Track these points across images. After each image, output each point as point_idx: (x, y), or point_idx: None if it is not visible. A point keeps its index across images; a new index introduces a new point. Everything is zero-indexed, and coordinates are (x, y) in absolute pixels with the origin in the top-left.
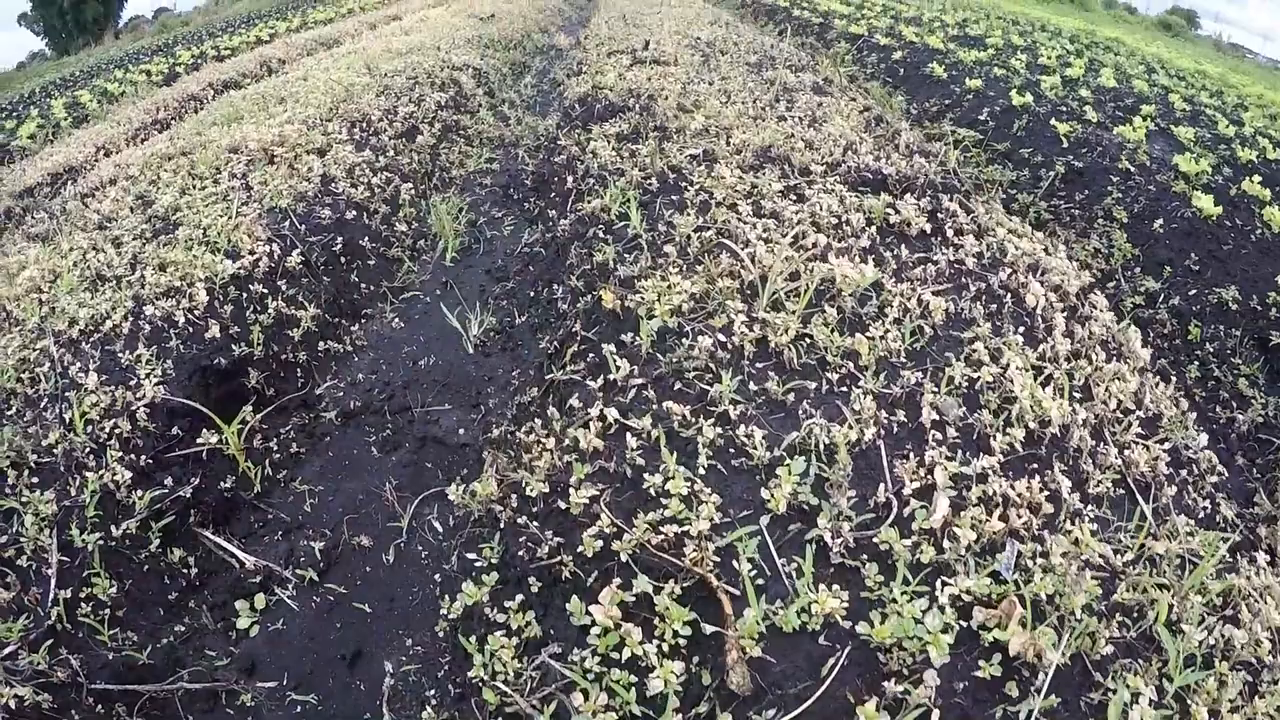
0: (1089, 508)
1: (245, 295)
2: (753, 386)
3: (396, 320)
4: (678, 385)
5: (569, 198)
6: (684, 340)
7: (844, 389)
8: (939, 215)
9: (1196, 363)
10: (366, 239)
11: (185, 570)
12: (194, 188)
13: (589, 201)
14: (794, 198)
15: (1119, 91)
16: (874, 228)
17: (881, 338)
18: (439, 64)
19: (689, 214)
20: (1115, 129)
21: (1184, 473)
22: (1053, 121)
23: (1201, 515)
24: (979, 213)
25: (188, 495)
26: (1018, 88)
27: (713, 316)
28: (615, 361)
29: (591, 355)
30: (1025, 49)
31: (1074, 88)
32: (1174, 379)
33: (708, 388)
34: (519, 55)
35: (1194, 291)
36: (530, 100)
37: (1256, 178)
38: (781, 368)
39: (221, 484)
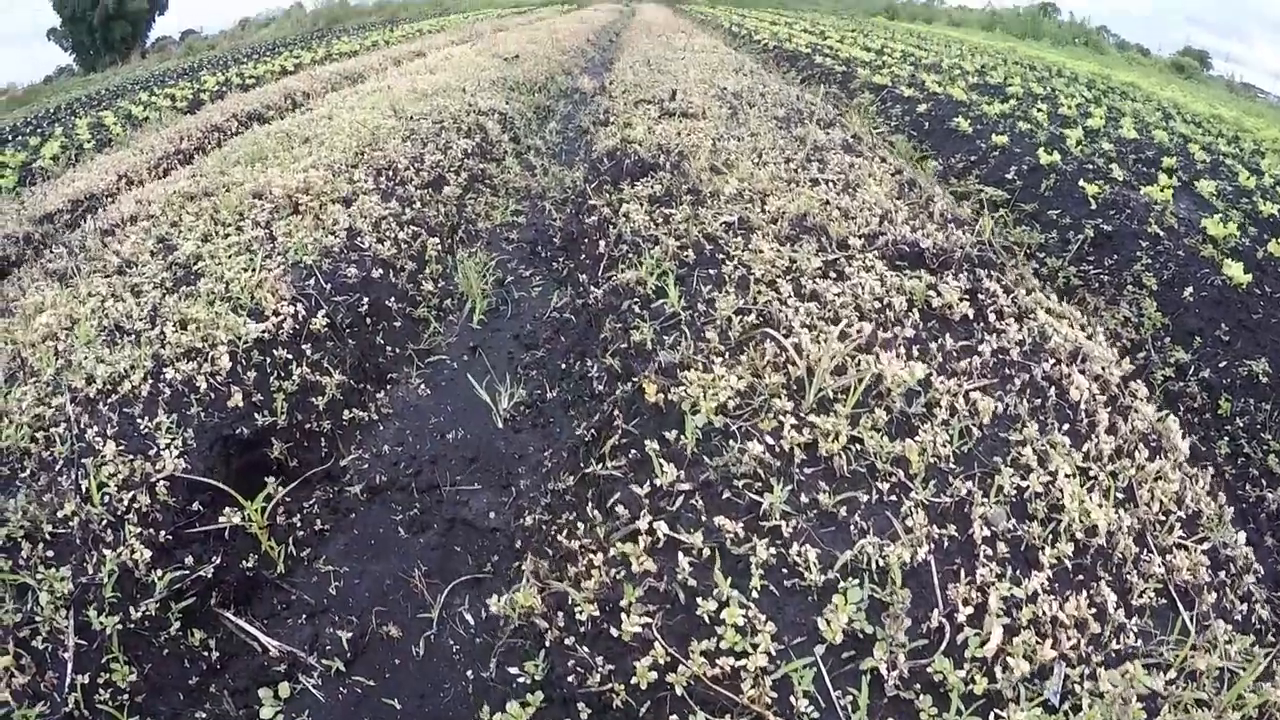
0: (1133, 620)
1: (269, 360)
2: (804, 498)
3: (423, 387)
4: (726, 494)
5: (600, 262)
6: (731, 442)
7: (894, 498)
8: (979, 296)
9: (1226, 438)
10: (393, 299)
11: (206, 653)
12: (217, 234)
13: (623, 271)
14: (834, 275)
15: (1140, 143)
16: (917, 313)
17: (930, 442)
18: (465, 108)
19: (728, 292)
20: (1142, 189)
21: (1222, 573)
22: (1080, 182)
23: (1239, 619)
24: (1019, 294)
25: (209, 575)
26: (1044, 145)
27: (759, 415)
28: (661, 465)
29: (633, 451)
30: (1045, 98)
31: (1096, 139)
32: (1209, 466)
33: (758, 498)
34: (543, 99)
35: (1224, 363)
36: (556, 148)
37: None
38: (831, 475)
39: (243, 563)
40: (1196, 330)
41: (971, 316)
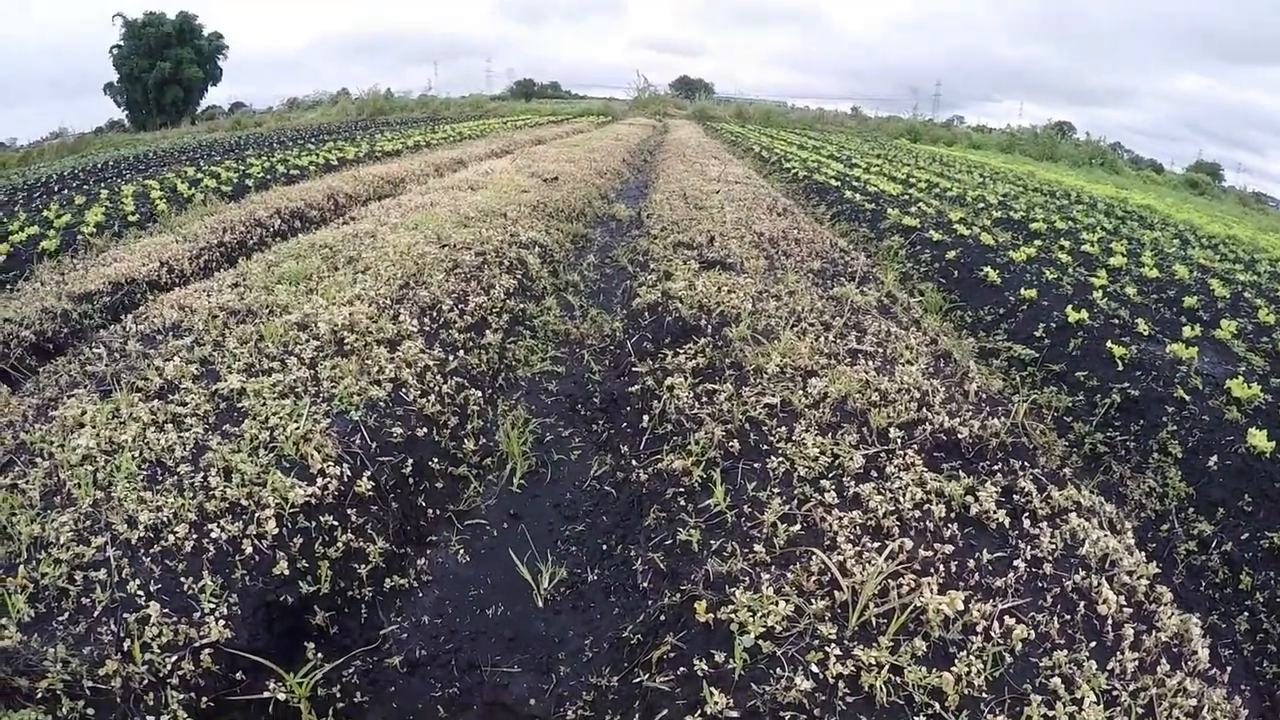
0: None
1: (315, 525)
2: None
3: (462, 553)
4: None
5: (642, 436)
6: (777, 670)
7: None
8: (1015, 497)
9: (1246, 613)
10: (435, 458)
11: None
12: (260, 369)
13: (668, 457)
14: (875, 474)
15: (1162, 282)
16: (955, 525)
17: (965, 672)
18: (507, 240)
19: (773, 492)
20: (1168, 346)
21: None
22: (1108, 342)
23: None
24: (1051, 491)
25: None
26: (1071, 301)
27: (803, 638)
28: (712, 693)
29: (681, 668)
30: (1068, 233)
31: (1119, 278)
32: (1229, 666)
33: None
34: (581, 227)
35: (1246, 536)
36: (594, 285)
37: None
38: (871, 706)
39: None
40: (1220, 501)
41: (1008, 524)
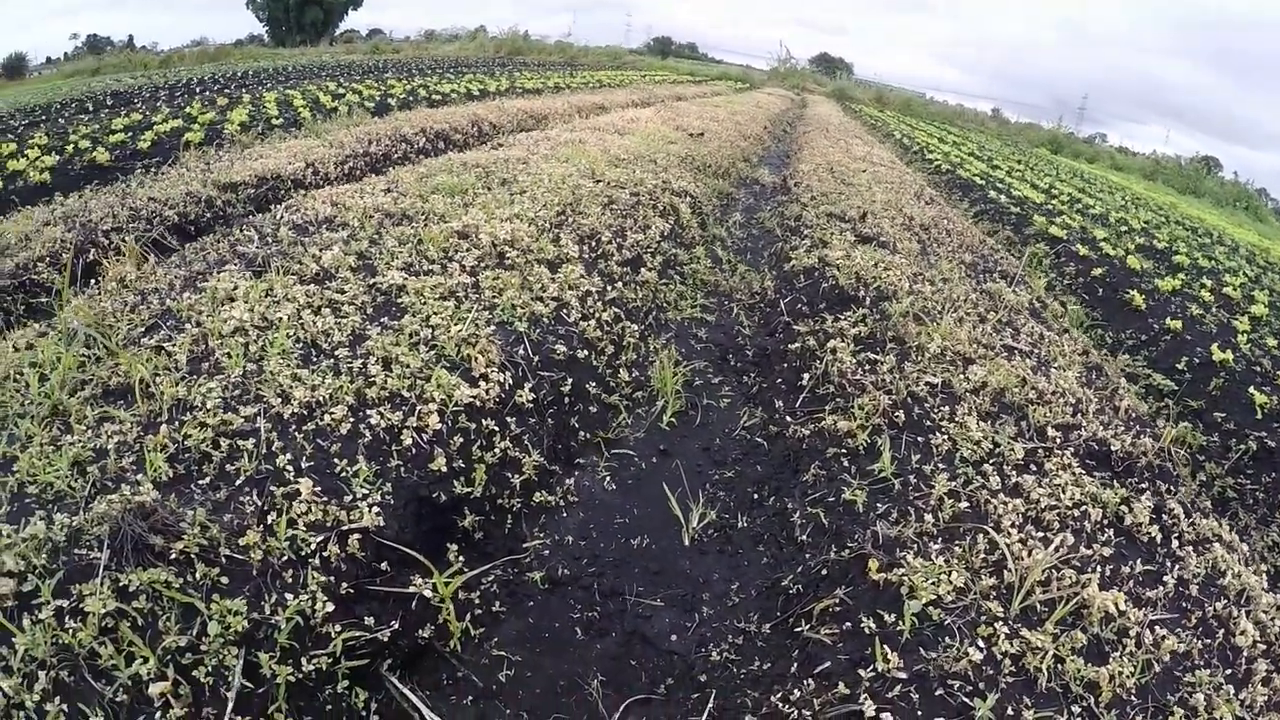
0: None
1: (475, 427)
2: (1009, 710)
3: (609, 480)
4: (940, 691)
5: (800, 394)
6: (946, 639)
7: None
8: (1163, 516)
9: None
10: (592, 382)
11: (364, 714)
12: (420, 269)
13: (830, 417)
14: (1034, 468)
15: None
16: (1110, 530)
17: (1118, 671)
18: (660, 185)
19: (938, 468)
20: None
21: None
22: (1250, 388)
23: None
24: (1196, 518)
25: (384, 638)
26: (1217, 341)
27: (970, 612)
28: (885, 652)
29: (847, 623)
30: (1210, 272)
31: (1259, 328)
32: None
33: (969, 702)
34: (726, 185)
35: None
36: (740, 243)
37: None
38: (1032, 689)
39: (419, 631)
40: None
41: (1158, 541)
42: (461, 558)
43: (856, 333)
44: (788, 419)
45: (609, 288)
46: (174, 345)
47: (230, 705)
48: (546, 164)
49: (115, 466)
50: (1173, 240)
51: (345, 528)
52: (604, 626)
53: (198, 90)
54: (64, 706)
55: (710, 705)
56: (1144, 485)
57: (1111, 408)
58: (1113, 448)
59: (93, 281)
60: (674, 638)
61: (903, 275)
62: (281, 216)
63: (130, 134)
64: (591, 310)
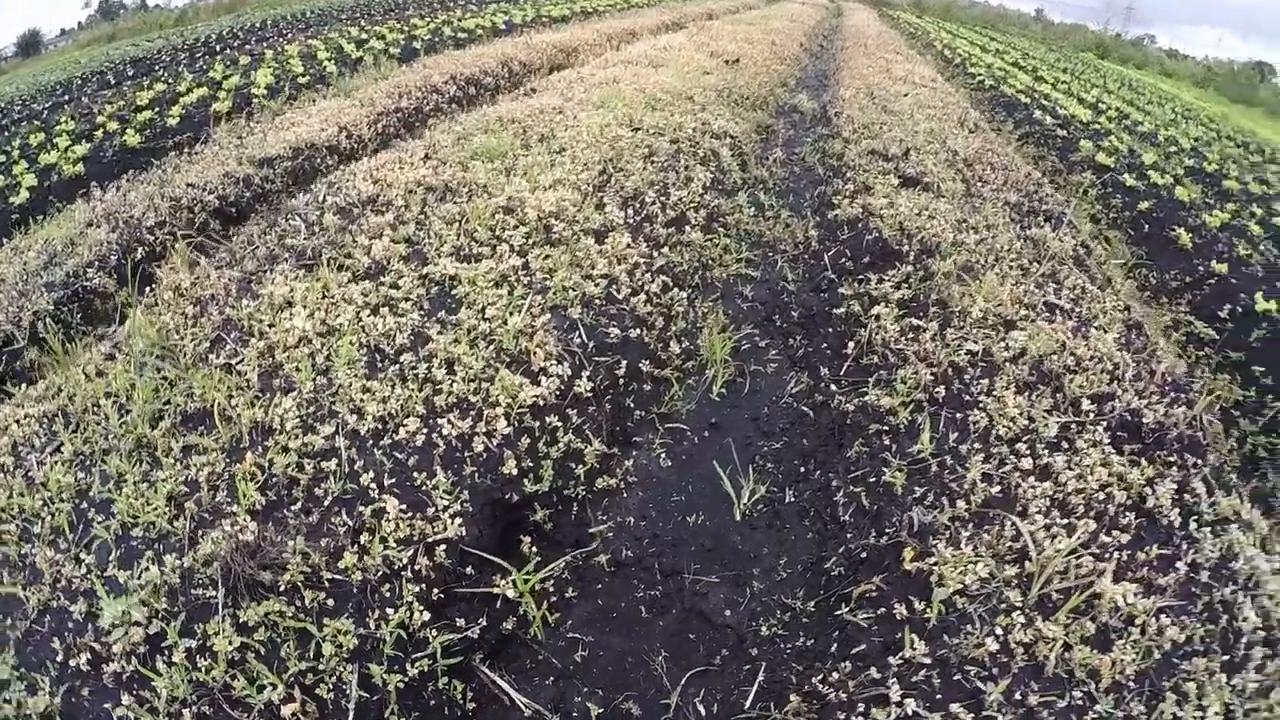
0: None
1: (540, 425)
2: (1016, 694)
3: (665, 457)
4: (957, 676)
5: (845, 362)
6: (968, 626)
7: (1081, 704)
8: (1185, 496)
9: None
10: (645, 360)
11: (462, 704)
12: (470, 252)
13: (874, 391)
14: (1065, 445)
15: None
16: (1132, 513)
17: (1120, 659)
18: (698, 128)
19: (974, 448)
20: None
21: None
22: None
23: None
24: (1218, 496)
25: (474, 635)
26: (1262, 288)
27: (992, 600)
28: (912, 640)
29: (881, 608)
30: (1260, 199)
31: None
32: None
33: (982, 686)
34: (765, 116)
35: None
36: (782, 184)
37: None
38: (1039, 674)
39: (503, 625)
40: None
41: (1177, 525)
42: (534, 548)
43: (900, 296)
44: (832, 388)
45: (655, 254)
46: (242, 362)
47: (351, 714)
48: (583, 112)
49: (209, 500)
50: (1223, 160)
51: (431, 539)
52: (665, 605)
53: (218, 49)
54: None
55: (760, 678)
56: (1172, 458)
57: (1148, 371)
58: (1145, 419)
59: (147, 289)
60: (728, 613)
61: (946, 224)
62: (325, 199)
63: (157, 109)
64: (641, 283)
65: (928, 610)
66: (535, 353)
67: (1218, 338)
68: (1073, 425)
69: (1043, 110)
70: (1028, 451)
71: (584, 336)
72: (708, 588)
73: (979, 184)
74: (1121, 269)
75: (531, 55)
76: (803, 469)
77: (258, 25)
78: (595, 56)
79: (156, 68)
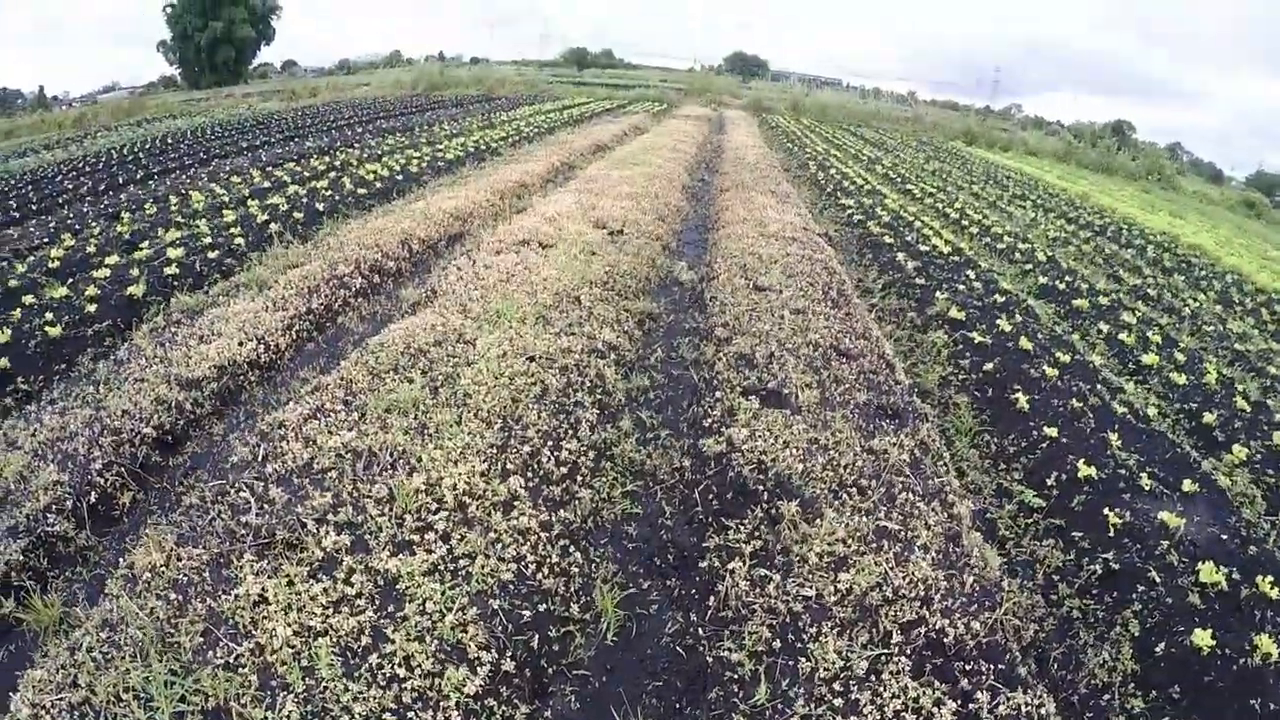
0: None
1: (480, 707)
2: None
3: (574, 702)
4: None
5: (707, 610)
6: None
7: None
8: (969, 705)
9: None
10: (553, 627)
11: None
12: (402, 539)
13: (727, 644)
14: (873, 678)
15: (1187, 390)
16: None
17: None
18: (585, 347)
19: (799, 693)
20: (1158, 514)
21: None
22: (1105, 509)
23: None
24: (1002, 696)
25: None
26: (1086, 450)
27: None
28: None
29: None
30: (1109, 310)
31: (1148, 379)
32: None
33: None
34: (646, 302)
35: None
36: (663, 390)
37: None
38: None
39: None
40: (1156, 684)
41: None
42: None
43: (752, 549)
44: (700, 632)
45: (554, 517)
46: (239, 660)
47: None
48: (481, 336)
49: None
50: (1078, 265)
51: None
52: None
53: (120, 178)
54: None
55: None
56: (970, 668)
57: (960, 582)
58: (947, 637)
59: (122, 562)
60: None
61: (798, 452)
62: (266, 464)
63: (72, 285)
64: (543, 556)
65: None
66: (469, 645)
67: (1044, 505)
68: (882, 657)
69: (905, 251)
70: (841, 690)
71: (504, 619)
72: None
73: (834, 384)
74: (966, 438)
75: (429, 229)
76: (677, 706)
77: (158, 141)
78: (488, 229)
79: (60, 199)
